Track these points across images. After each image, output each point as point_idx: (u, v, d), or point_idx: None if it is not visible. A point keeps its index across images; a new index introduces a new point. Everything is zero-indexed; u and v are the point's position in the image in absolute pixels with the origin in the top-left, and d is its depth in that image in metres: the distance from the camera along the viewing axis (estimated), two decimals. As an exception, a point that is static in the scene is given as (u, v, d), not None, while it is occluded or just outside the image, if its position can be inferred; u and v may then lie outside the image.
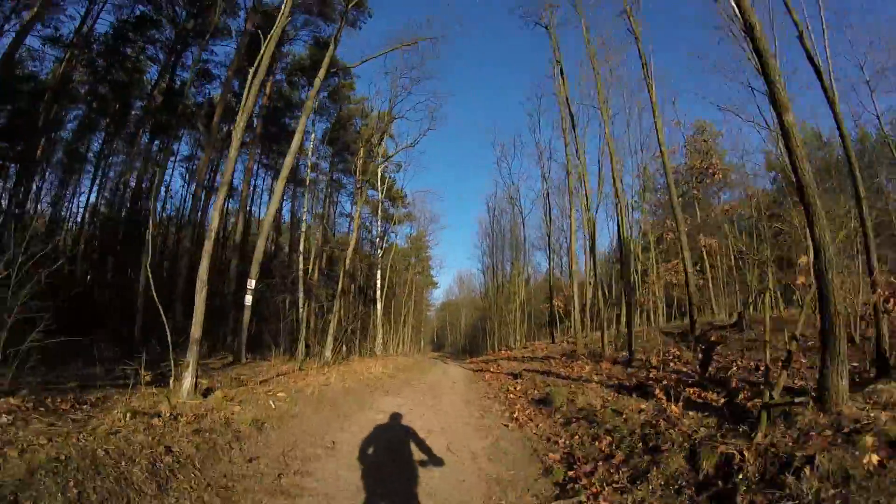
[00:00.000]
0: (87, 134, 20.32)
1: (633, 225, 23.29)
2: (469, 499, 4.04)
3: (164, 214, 24.06)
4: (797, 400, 4.73)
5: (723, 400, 6.10)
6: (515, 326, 32.22)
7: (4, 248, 7.01)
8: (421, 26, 18.11)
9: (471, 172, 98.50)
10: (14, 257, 5.03)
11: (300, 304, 16.36)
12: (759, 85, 16.63)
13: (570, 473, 4.36)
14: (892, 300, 6.11)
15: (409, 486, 4.14)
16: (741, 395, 6.21)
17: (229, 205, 25.94)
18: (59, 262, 5.61)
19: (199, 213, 19.98)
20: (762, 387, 6.93)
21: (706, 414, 5.33)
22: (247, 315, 12.68)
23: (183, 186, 25.19)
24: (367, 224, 32.19)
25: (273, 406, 6.45)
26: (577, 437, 5.50)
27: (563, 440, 5.49)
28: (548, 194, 27.94)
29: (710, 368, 8.45)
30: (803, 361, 8.07)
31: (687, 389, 6.79)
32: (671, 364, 9.57)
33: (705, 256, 21.35)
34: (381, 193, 26.89)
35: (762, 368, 7.91)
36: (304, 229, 19.04)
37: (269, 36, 8.06)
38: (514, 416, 7.25)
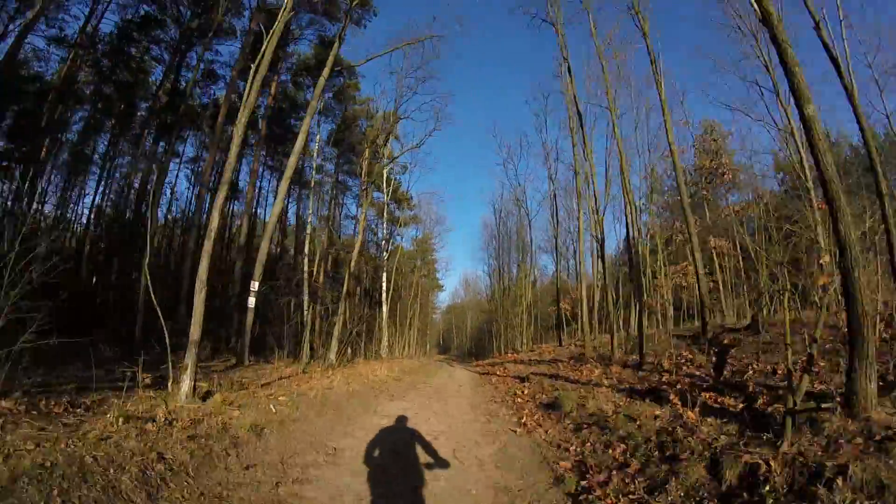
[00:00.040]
0: (93, 135, 20.31)
1: (640, 227, 22.98)
2: (477, 510, 3.82)
3: (169, 216, 24.09)
4: (824, 405, 4.48)
5: (741, 405, 5.83)
6: (522, 329, 31.89)
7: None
8: (425, 25, 18.00)
9: (471, 172, 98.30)
10: (6, 257, 4.86)
11: (305, 307, 16.23)
12: (766, 83, 16.46)
13: (583, 483, 4.11)
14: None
15: (415, 496, 3.92)
16: (760, 400, 5.95)
17: (234, 206, 25.98)
18: (53, 260, 5.39)
19: (204, 215, 19.87)
20: (781, 391, 6.71)
21: (725, 420, 5.07)
22: (250, 317, 12.52)
23: (188, 188, 25.15)
24: (373, 226, 32.11)
25: (274, 410, 6.25)
26: (588, 443, 5.25)
27: (573, 447, 5.24)
28: (555, 195, 27.68)
29: (724, 372, 8.17)
30: (821, 364, 7.78)
31: (702, 394, 6.54)
32: (684, 368, 9.29)
33: (715, 258, 21.01)
34: (387, 195, 26.78)
35: (780, 372, 7.66)
36: (309, 231, 18.97)
37: (271, 30, 7.92)
38: (522, 421, 7.01)
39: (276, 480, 4.04)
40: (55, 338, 5.17)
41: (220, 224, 21.61)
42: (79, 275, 17.31)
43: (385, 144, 21.68)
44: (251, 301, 12.07)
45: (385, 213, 27.84)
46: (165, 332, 6.10)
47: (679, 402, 6.07)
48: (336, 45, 14.94)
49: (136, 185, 19.66)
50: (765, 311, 12.52)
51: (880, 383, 5.99)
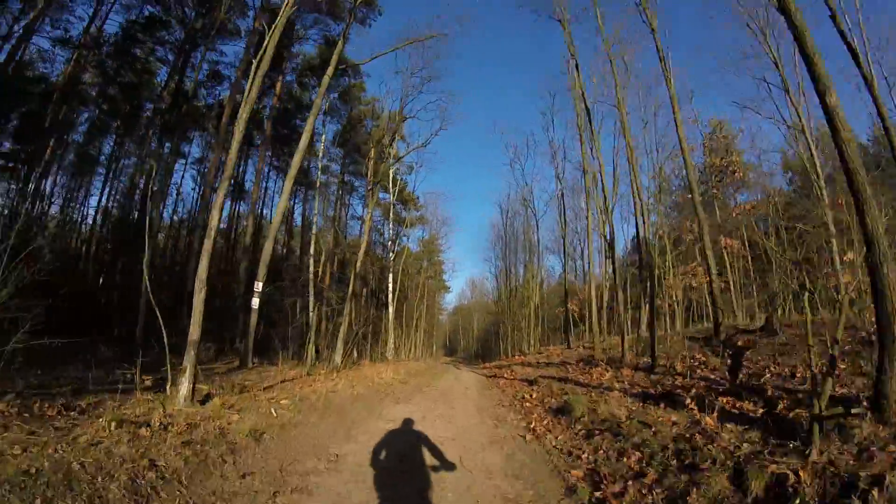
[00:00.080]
0: (98, 136, 20.31)
1: (649, 227, 22.66)
2: (485, 522, 3.61)
3: (175, 217, 24.08)
4: (853, 411, 4.23)
5: (761, 410, 5.58)
6: (529, 331, 31.56)
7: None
8: (429, 24, 17.84)
9: (471, 172, 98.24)
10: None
11: (310, 308, 16.07)
12: (774, 80, 16.16)
13: (597, 494, 3.88)
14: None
15: (419, 506, 3.72)
16: (781, 405, 5.69)
17: (240, 207, 25.94)
18: (46, 257, 5.25)
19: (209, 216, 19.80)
20: (801, 395, 6.43)
21: (746, 427, 4.82)
22: (254, 318, 12.36)
23: (194, 189, 25.13)
24: (379, 227, 31.98)
25: (275, 414, 6.07)
26: (601, 451, 5.01)
27: (585, 455, 5.00)
28: (562, 195, 27.43)
29: (740, 375, 7.90)
30: (842, 367, 7.48)
31: (719, 399, 6.27)
32: (698, 371, 9.00)
33: (726, 258, 20.65)
34: (393, 196, 26.62)
35: (799, 375, 7.37)
36: (314, 232, 18.82)
37: (273, 26, 7.76)
38: (531, 426, 6.77)
39: (273, 490, 3.84)
40: (47, 338, 5.00)
41: (221, 223, 21.55)
42: (84, 275, 17.27)
43: (391, 144, 21.50)
44: (255, 302, 11.91)
45: (391, 214, 27.67)
46: (163, 333, 5.93)
47: (696, 408, 5.82)
48: (340, 43, 14.81)
49: (142, 186, 19.61)
50: (778, 312, 12.19)
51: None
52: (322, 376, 10.60)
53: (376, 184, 20.66)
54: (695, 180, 14.11)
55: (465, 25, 27.64)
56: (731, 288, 20.26)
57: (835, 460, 3.61)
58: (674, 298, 20.67)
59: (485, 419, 7.60)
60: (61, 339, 5.93)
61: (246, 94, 7.25)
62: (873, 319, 8.49)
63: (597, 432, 5.68)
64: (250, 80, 7.35)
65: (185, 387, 5.84)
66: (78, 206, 20.58)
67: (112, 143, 20.85)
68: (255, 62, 7.38)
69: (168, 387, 5.92)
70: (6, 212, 13.85)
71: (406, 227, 33.07)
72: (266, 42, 7.51)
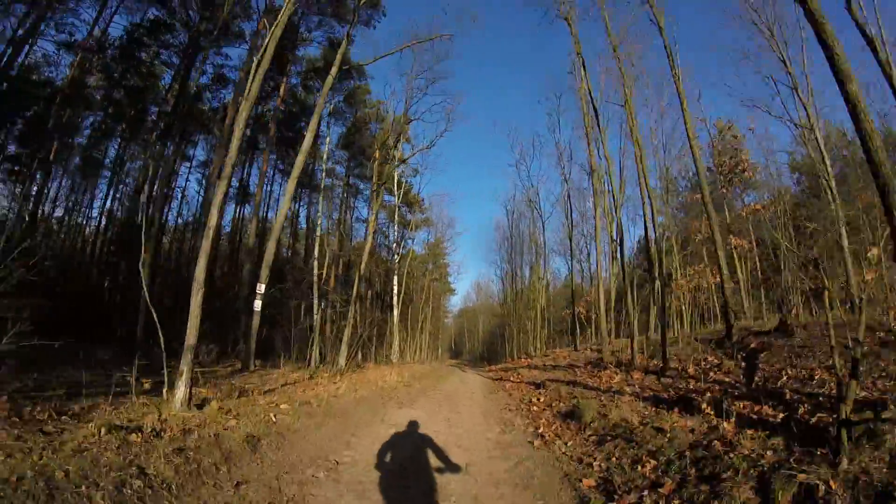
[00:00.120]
0: (103, 140, 20.30)
1: (656, 228, 22.36)
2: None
3: (179, 220, 24.07)
4: (884, 415, 3.98)
5: (781, 416, 5.32)
6: (535, 333, 31.23)
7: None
8: (433, 24, 17.72)
9: (472, 172, 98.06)
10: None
11: (314, 310, 15.91)
12: (783, 78, 15.89)
13: (612, 505, 3.65)
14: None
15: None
16: (801, 410, 5.43)
17: (245, 210, 25.89)
18: (37, 257, 5.09)
19: (211, 217, 19.71)
20: (821, 399, 6.17)
21: (767, 433, 4.56)
22: (256, 321, 12.19)
23: (199, 192, 25.11)
24: (384, 229, 31.81)
25: (274, 419, 5.88)
26: (613, 458, 4.77)
27: (597, 462, 4.76)
28: (569, 196, 27.15)
29: (756, 378, 7.63)
30: (861, 369, 7.19)
31: (736, 403, 6.02)
32: (711, 374, 8.73)
33: (736, 258, 20.31)
34: (398, 198, 26.48)
35: (818, 377, 7.10)
36: (319, 234, 18.70)
37: (274, 23, 7.62)
38: (539, 431, 6.53)
39: (269, 500, 3.64)
40: (38, 339, 4.82)
41: (224, 226, 21.47)
42: (87, 277, 17.22)
43: (395, 146, 21.38)
44: (257, 304, 11.76)
45: (396, 216, 27.52)
46: (161, 335, 5.76)
47: (712, 412, 5.57)
48: (344, 43, 14.70)
49: (146, 188, 19.57)
50: (793, 312, 11.88)
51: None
52: (325, 379, 10.42)
53: (381, 186, 20.50)
54: (705, 178, 13.83)
55: (466, 25, 27.43)
56: (741, 289, 19.92)
57: (868, 469, 3.36)
58: (682, 300, 20.35)
59: (491, 424, 7.36)
60: (61, 339, 5.77)
61: (246, 91, 7.10)
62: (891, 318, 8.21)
63: (608, 438, 5.43)
64: (251, 78, 7.20)
65: (181, 391, 5.67)
66: (83, 208, 20.60)
67: (117, 147, 20.87)
68: (255, 59, 7.23)
69: (165, 391, 5.75)
70: (11, 214, 13.81)
71: (411, 229, 32.93)
72: (267, 39, 7.36)
